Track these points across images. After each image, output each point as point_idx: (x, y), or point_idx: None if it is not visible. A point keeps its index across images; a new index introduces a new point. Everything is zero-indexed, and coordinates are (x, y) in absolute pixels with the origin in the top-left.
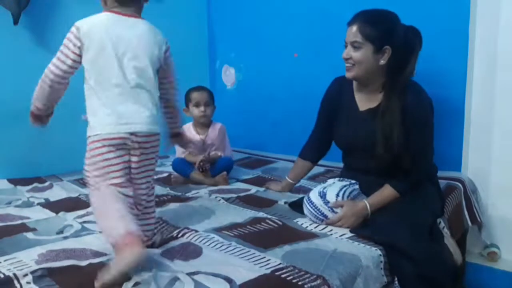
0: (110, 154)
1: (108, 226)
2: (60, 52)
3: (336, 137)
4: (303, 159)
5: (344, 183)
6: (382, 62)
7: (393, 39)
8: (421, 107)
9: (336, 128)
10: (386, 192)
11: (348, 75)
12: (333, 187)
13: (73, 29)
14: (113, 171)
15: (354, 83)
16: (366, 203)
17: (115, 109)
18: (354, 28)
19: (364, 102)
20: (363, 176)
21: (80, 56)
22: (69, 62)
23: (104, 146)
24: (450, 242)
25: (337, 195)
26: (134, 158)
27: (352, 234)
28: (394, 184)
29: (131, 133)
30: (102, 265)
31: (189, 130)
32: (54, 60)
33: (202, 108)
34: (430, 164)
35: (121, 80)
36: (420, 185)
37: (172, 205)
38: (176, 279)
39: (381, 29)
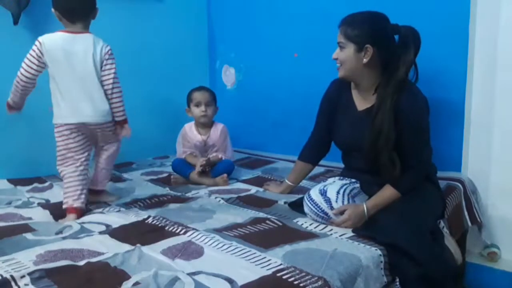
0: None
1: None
2: (27, 59)
3: (335, 137)
4: (303, 161)
5: (344, 181)
6: (365, 60)
7: (375, 38)
8: (415, 107)
9: (335, 128)
10: (387, 192)
11: (339, 75)
12: (334, 185)
13: (37, 43)
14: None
15: (352, 83)
16: (365, 206)
17: (71, 104)
18: (340, 30)
19: (362, 102)
20: (363, 176)
21: (43, 63)
22: (35, 67)
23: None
24: (450, 242)
25: (338, 192)
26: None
27: (352, 234)
28: (394, 184)
29: (83, 123)
30: (100, 264)
31: (191, 130)
32: (23, 65)
33: (202, 108)
34: (429, 164)
35: (73, 84)
36: (420, 184)
37: (172, 205)
38: (176, 279)
39: (362, 29)
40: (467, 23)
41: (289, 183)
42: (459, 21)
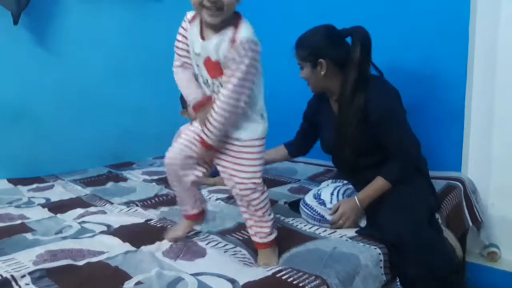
0: None
1: None
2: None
3: (320, 143)
4: (285, 147)
5: (337, 183)
6: (322, 73)
7: (323, 51)
8: (382, 100)
9: (320, 134)
10: (377, 183)
11: (311, 91)
12: (327, 188)
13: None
14: None
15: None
16: (356, 199)
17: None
18: (295, 53)
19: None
20: (351, 176)
21: None
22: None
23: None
24: (449, 236)
25: (332, 194)
26: None
27: (352, 234)
28: (383, 175)
29: None
30: (101, 264)
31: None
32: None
33: None
34: (416, 155)
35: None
36: (410, 174)
37: (172, 206)
38: (180, 279)
39: (309, 47)
40: (467, 23)
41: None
42: (459, 21)
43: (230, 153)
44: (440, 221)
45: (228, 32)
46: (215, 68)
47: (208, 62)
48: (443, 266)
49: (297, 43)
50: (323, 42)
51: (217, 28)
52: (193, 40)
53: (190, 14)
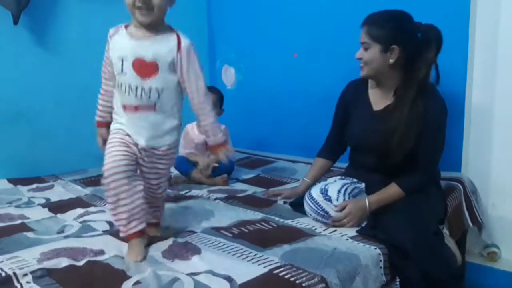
0: None
1: None
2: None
3: (347, 134)
4: (322, 158)
5: (345, 181)
6: (391, 61)
7: (400, 38)
8: (436, 110)
9: (348, 126)
10: (391, 190)
11: (361, 74)
12: (335, 184)
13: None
14: None
15: (370, 82)
16: (366, 200)
17: None
18: (364, 30)
19: (379, 101)
20: (368, 174)
21: None
22: None
23: None
24: (450, 243)
25: (339, 191)
26: None
27: (353, 234)
28: (400, 183)
29: None
30: (101, 263)
31: (193, 130)
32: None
33: None
34: (436, 168)
35: None
36: (425, 186)
37: (171, 205)
38: (176, 279)
39: (387, 29)
40: (467, 23)
41: (308, 180)
42: (459, 21)
43: (159, 159)
44: (442, 225)
45: (172, 38)
46: (148, 68)
47: (137, 63)
48: (442, 273)
49: (370, 20)
50: (402, 28)
51: (152, 30)
52: (118, 46)
53: (112, 30)
